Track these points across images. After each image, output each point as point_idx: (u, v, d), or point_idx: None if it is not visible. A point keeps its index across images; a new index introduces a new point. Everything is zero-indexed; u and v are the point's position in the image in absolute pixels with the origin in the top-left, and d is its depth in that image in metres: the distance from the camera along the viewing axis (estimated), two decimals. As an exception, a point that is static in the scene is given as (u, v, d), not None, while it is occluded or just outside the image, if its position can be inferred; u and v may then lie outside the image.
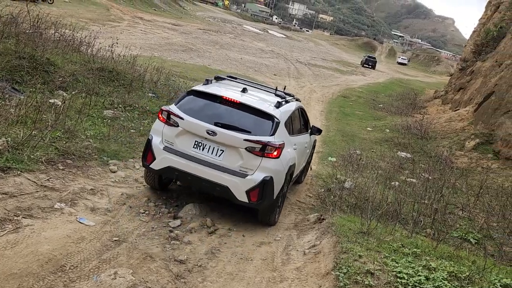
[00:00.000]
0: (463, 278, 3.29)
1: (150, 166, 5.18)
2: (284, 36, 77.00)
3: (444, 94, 24.71)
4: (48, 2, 29.04)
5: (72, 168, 5.46)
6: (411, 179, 10.60)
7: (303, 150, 6.61)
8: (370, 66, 52.49)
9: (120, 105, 8.44)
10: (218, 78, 6.20)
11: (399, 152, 13.73)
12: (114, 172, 5.87)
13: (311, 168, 8.67)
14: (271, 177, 4.95)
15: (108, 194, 5.10)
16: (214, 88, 5.55)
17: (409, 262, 3.50)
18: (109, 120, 7.54)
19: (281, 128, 5.29)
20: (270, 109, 5.33)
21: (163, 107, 5.36)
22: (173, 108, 5.27)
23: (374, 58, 57.46)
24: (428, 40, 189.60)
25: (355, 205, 6.85)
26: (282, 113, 5.43)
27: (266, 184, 4.90)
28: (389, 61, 78.24)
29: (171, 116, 5.16)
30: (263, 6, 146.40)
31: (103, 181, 5.47)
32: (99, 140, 6.56)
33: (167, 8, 62.65)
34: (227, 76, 6.49)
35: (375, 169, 10.75)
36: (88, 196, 4.86)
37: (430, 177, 11.18)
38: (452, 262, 3.62)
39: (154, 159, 5.12)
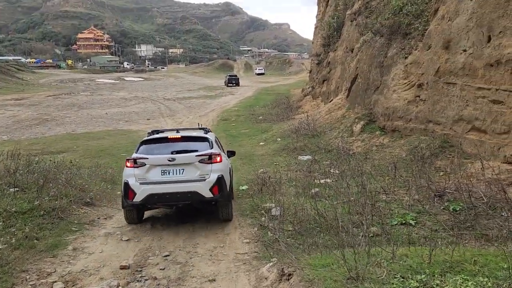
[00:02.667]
0: (492, 293, 2.78)
1: (133, 201, 6.61)
2: (142, 79, 75.09)
3: (311, 90, 26.11)
4: None
5: None
6: (325, 180, 10.41)
7: (229, 166, 8.09)
8: (234, 84, 53.87)
9: (-26, 219, 6.43)
10: (154, 132, 8.12)
11: (300, 156, 13.64)
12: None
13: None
14: (222, 175, 6.82)
15: None
16: (157, 135, 7.62)
17: (427, 299, 2.87)
18: (-37, 245, 5.59)
19: (214, 144, 7.41)
20: (203, 134, 7.65)
21: (128, 157, 6.98)
22: (136, 155, 6.91)
23: (236, 75, 59.37)
24: (274, 47, 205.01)
25: (298, 232, 6.16)
26: (211, 136, 7.74)
27: (220, 180, 6.73)
28: (248, 74, 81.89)
29: (137, 160, 6.74)
30: (110, 56, 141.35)
31: None
32: (-45, 280, 4.71)
33: (3, 84, 55.80)
34: (158, 130, 8.44)
35: (289, 182, 10.33)
36: None
37: (338, 171, 11.21)
38: (463, 275, 3.11)
39: (135, 194, 6.57)
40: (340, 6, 24.00)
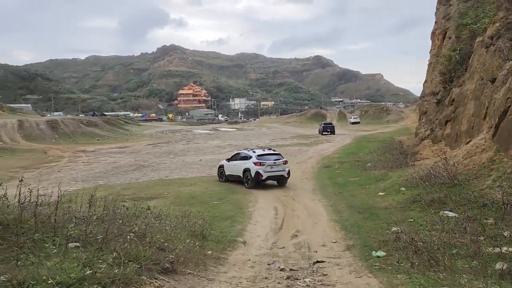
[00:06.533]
0: None
1: (262, 179, 16.53)
2: (235, 129, 76.18)
3: (430, 133, 22.24)
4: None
5: None
6: (507, 248, 6.93)
7: None
8: (329, 132, 51.02)
9: None
10: (251, 149, 19.01)
11: (442, 211, 10.18)
12: None
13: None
14: (289, 169, 17.45)
15: None
16: (258, 152, 17.93)
17: None
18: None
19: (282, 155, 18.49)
20: (277, 151, 19.14)
21: (255, 161, 16.92)
22: (258, 160, 16.84)
23: (331, 123, 56.67)
24: (366, 97, 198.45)
25: None
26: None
27: (289, 170, 17.38)
28: (342, 124, 78.43)
29: (261, 163, 16.78)
30: (207, 109, 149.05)
31: None
32: None
33: (111, 134, 60.07)
34: (253, 148, 20.03)
35: (448, 248, 7.05)
36: None
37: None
38: None
39: (262, 176, 16.55)
40: (465, 36, 20.47)
